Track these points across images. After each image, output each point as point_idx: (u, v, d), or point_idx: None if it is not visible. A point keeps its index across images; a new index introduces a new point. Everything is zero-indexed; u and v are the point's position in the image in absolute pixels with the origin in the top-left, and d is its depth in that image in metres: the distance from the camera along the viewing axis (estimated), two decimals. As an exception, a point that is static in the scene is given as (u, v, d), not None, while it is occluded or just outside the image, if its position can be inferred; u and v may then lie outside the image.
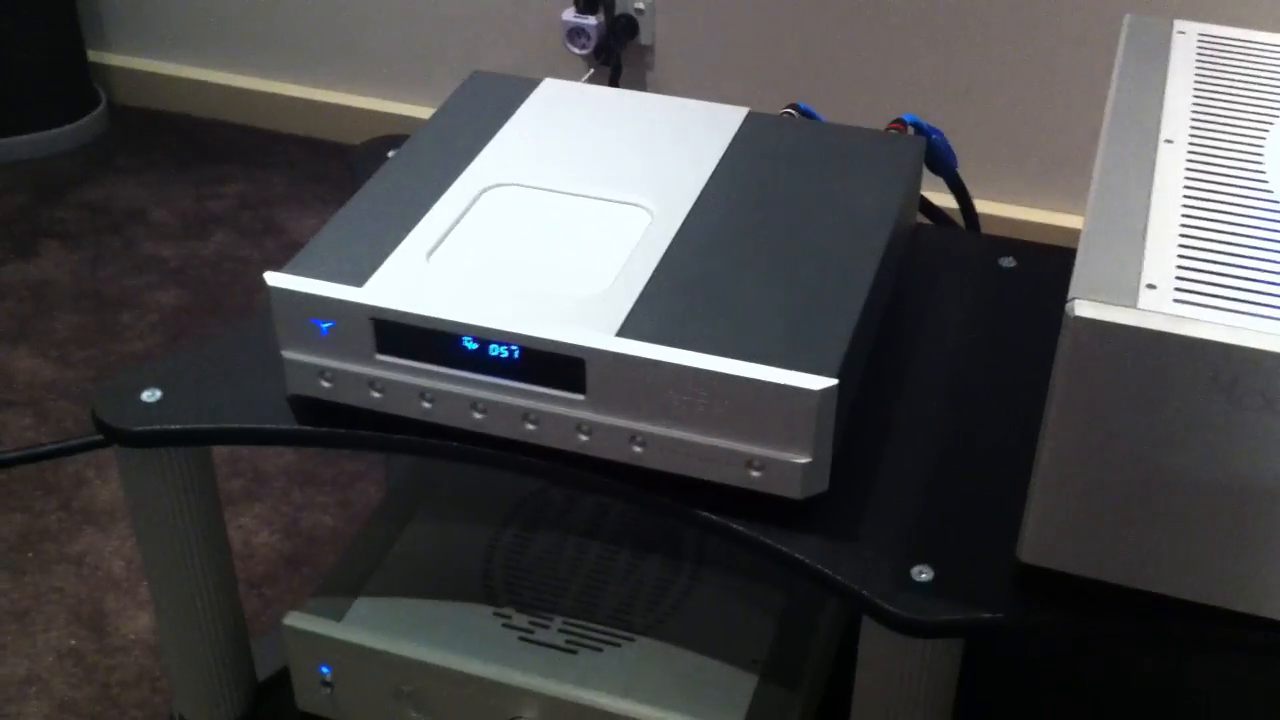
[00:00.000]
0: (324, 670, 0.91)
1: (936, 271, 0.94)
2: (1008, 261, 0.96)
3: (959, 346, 0.87)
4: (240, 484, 1.25)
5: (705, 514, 0.75)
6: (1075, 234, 0.75)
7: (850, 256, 0.80)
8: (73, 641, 1.10)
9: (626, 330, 0.74)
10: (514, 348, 0.75)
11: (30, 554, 1.19)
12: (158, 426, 0.80)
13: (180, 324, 1.47)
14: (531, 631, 0.90)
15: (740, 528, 0.74)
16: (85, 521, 1.22)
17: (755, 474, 0.73)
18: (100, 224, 1.66)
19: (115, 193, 1.72)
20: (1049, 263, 0.95)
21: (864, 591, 0.70)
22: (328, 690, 0.91)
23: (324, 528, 1.21)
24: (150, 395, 0.82)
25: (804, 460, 0.72)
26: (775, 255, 0.80)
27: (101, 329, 1.47)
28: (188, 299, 1.51)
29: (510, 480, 1.02)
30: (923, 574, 0.71)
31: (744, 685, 0.86)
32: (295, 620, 0.90)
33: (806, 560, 0.72)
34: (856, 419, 0.81)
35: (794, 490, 0.73)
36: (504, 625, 0.91)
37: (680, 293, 0.77)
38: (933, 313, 0.91)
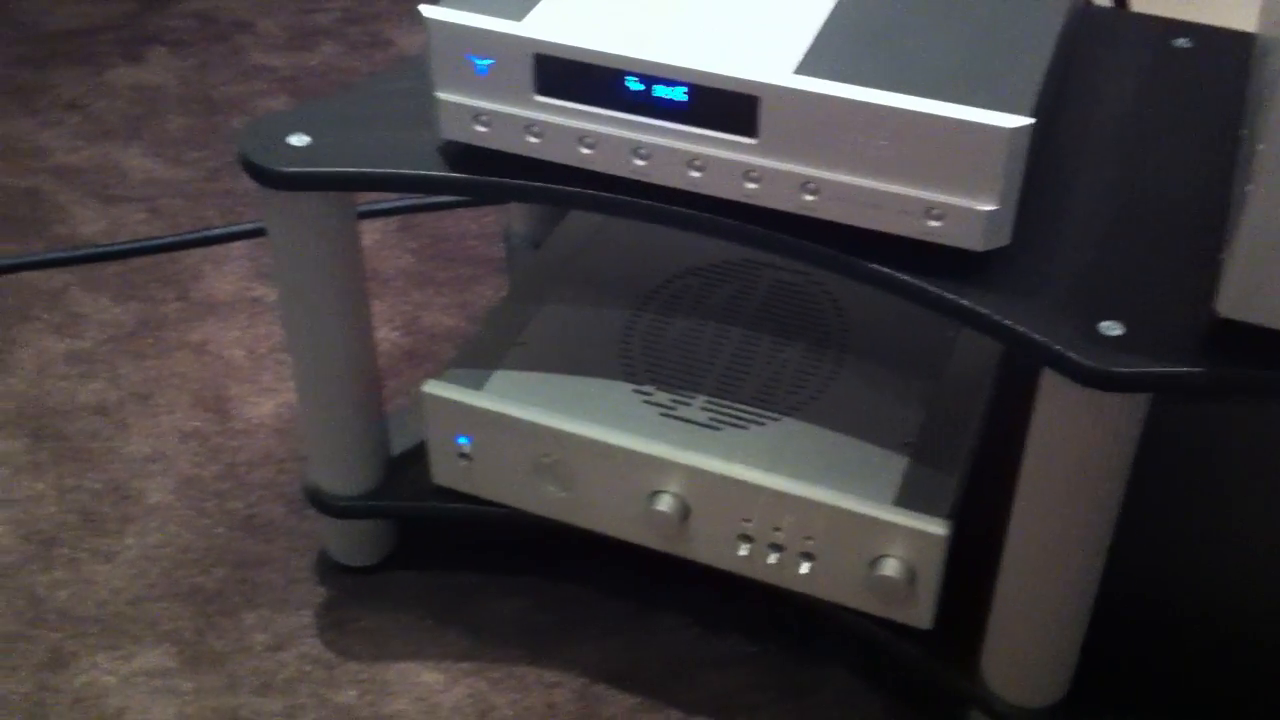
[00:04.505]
0: (461, 441, 0.89)
1: (1109, 48, 0.89)
2: (1182, 42, 0.90)
3: (1136, 115, 0.83)
4: (357, 282, 1.23)
5: (879, 267, 0.71)
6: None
7: (1038, 2, 0.75)
8: (196, 424, 1.10)
9: (805, 67, 0.70)
10: (683, 86, 0.71)
11: (150, 340, 1.18)
12: (307, 169, 0.77)
13: (291, 131, 1.44)
14: (673, 408, 0.88)
15: (916, 281, 0.70)
16: (205, 312, 1.21)
17: (934, 224, 0.70)
18: (208, 32, 1.63)
19: (221, 4, 1.68)
20: (1225, 43, 0.89)
21: (1051, 344, 0.66)
22: (465, 462, 0.90)
23: (443, 327, 1.19)
24: (298, 139, 0.79)
25: (989, 208, 0.68)
26: (958, -1, 0.75)
27: (213, 132, 1.45)
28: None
29: (648, 262, 0.99)
30: (1112, 328, 0.67)
31: (894, 465, 0.83)
32: (434, 388, 0.88)
33: (989, 313, 0.68)
34: (1036, 173, 0.76)
35: (975, 241, 0.69)
36: (645, 402, 0.88)
37: (861, 30, 0.72)
38: (1106, 84, 0.86)
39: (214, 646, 0.93)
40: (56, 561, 0.98)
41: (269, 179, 0.78)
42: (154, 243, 1.27)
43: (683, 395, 0.89)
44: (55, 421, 1.10)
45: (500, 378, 0.89)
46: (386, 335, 1.18)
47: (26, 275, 1.25)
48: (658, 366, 0.91)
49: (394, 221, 1.32)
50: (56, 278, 1.25)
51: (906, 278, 0.70)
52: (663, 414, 0.87)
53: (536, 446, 0.87)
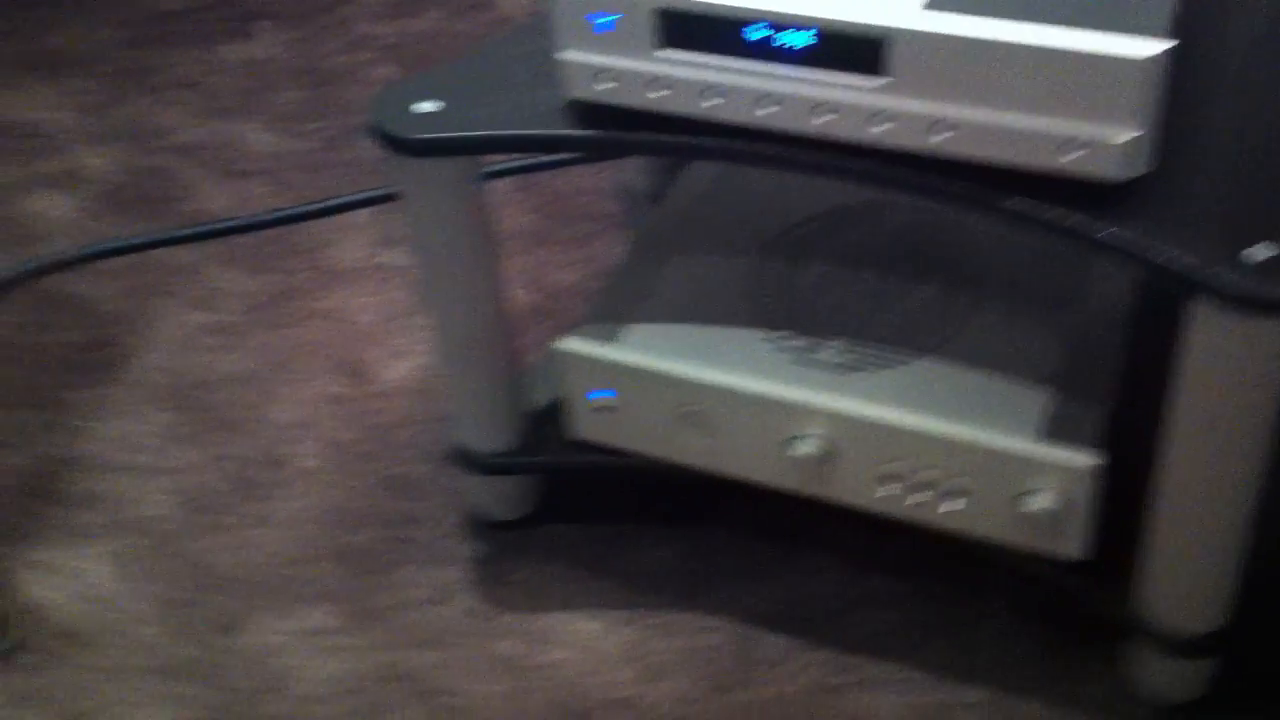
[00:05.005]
0: (598, 395, 0.90)
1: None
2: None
3: (1274, 35, 0.81)
4: (479, 242, 1.25)
5: (1015, 202, 0.70)
6: None
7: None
8: (336, 389, 1.13)
9: (934, 3, 0.69)
10: (809, 31, 0.71)
11: (284, 310, 1.21)
12: (440, 134, 0.79)
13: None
14: (809, 353, 0.88)
15: (1054, 215, 0.70)
16: (334, 280, 1.24)
17: (1071, 156, 0.69)
18: (312, 5, 1.65)
19: (323, -26, 1.71)
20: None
21: (1198, 271, 0.66)
22: (602, 416, 0.91)
23: (566, 283, 1.21)
24: (426, 105, 0.80)
25: (1128, 136, 0.67)
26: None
27: (326, 103, 1.47)
28: (408, 74, 1.50)
29: (771, 210, 0.99)
30: (1260, 251, 0.66)
31: (1037, 399, 0.83)
32: (569, 345, 0.89)
33: (1131, 243, 0.68)
34: (1173, 97, 0.75)
35: (1114, 171, 0.68)
36: (780, 348, 0.89)
37: (988, -37, 0.71)
38: (1240, 2, 0.84)
39: (373, 604, 0.96)
40: (216, 527, 1.02)
41: (402, 146, 0.79)
42: (281, 214, 1.30)
43: (818, 340, 0.89)
44: (201, 393, 1.14)
45: (633, 331, 0.90)
46: (512, 293, 1.20)
47: (161, 253, 1.29)
48: (791, 312, 0.91)
49: (512, 181, 1.33)
50: (190, 253, 1.29)
51: (1044, 212, 0.70)
52: (799, 359, 0.88)
53: (675, 397, 0.88)
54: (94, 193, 1.37)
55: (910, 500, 0.85)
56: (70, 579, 0.99)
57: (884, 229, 0.96)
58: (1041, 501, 0.80)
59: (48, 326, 1.21)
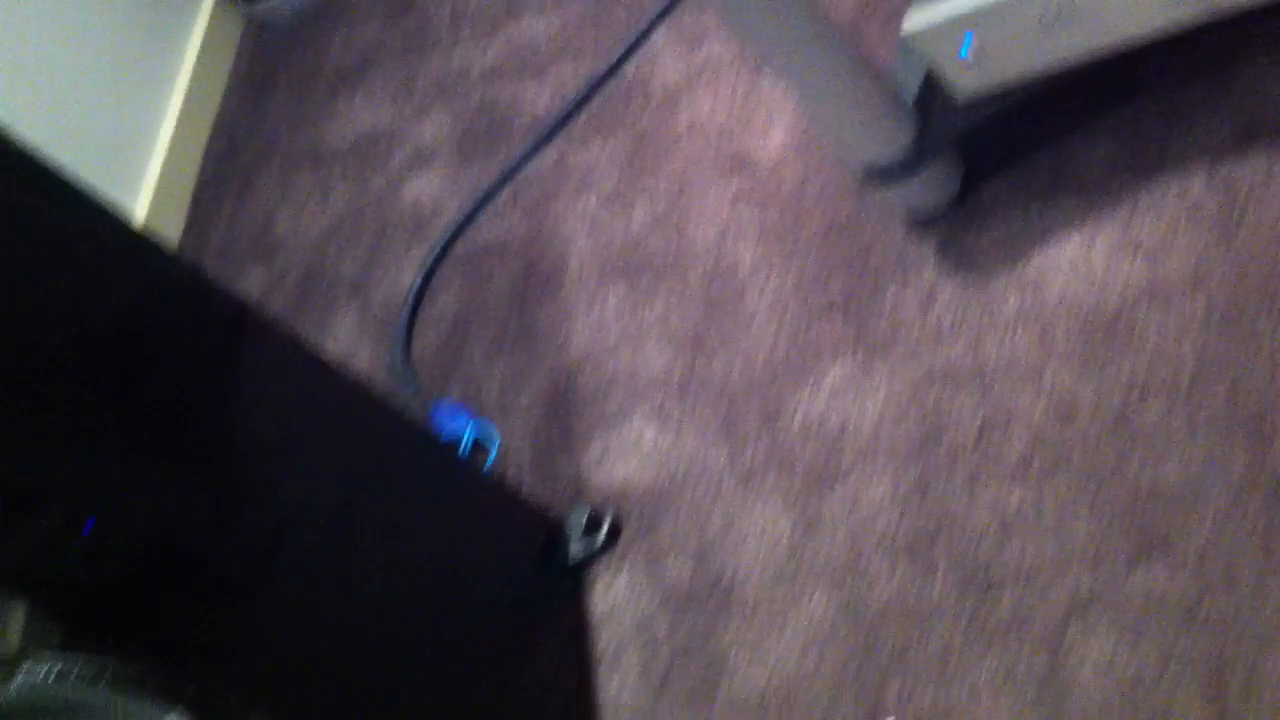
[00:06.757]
0: (963, 54, 0.91)
1: None
2: None
3: None
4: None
5: None
6: None
7: None
8: (734, 187, 1.19)
9: None
10: None
11: (652, 151, 1.28)
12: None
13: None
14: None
15: None
16: (672, 102, 1.30)
17: None
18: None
19: None
20: None
21: None
22: (975, 68, 0.92)
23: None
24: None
25: None
26: None
27: None
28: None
29: None
30: None
31: None
32: (914, 24, 0.91)
33: None
34: None
35: None
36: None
37: None
38: None
39: (876, 335, 1.02)
40: (709, 355, 1.12)
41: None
42: (597, 77, 1.37)
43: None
44: (632, 256, 1.23)
45: (958, -23, 0.91)
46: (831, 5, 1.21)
47: (532, 166, 1.39)
48: None
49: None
50: (549, 155, 1.38)
51: None
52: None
53: (1034, 8, 0.88)
54: (445, 156, 1.49)
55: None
56: (626, 456, 1.12)
57: None
58: None
59: (488, 278, 1.34)
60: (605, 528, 1.08)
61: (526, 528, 1.11)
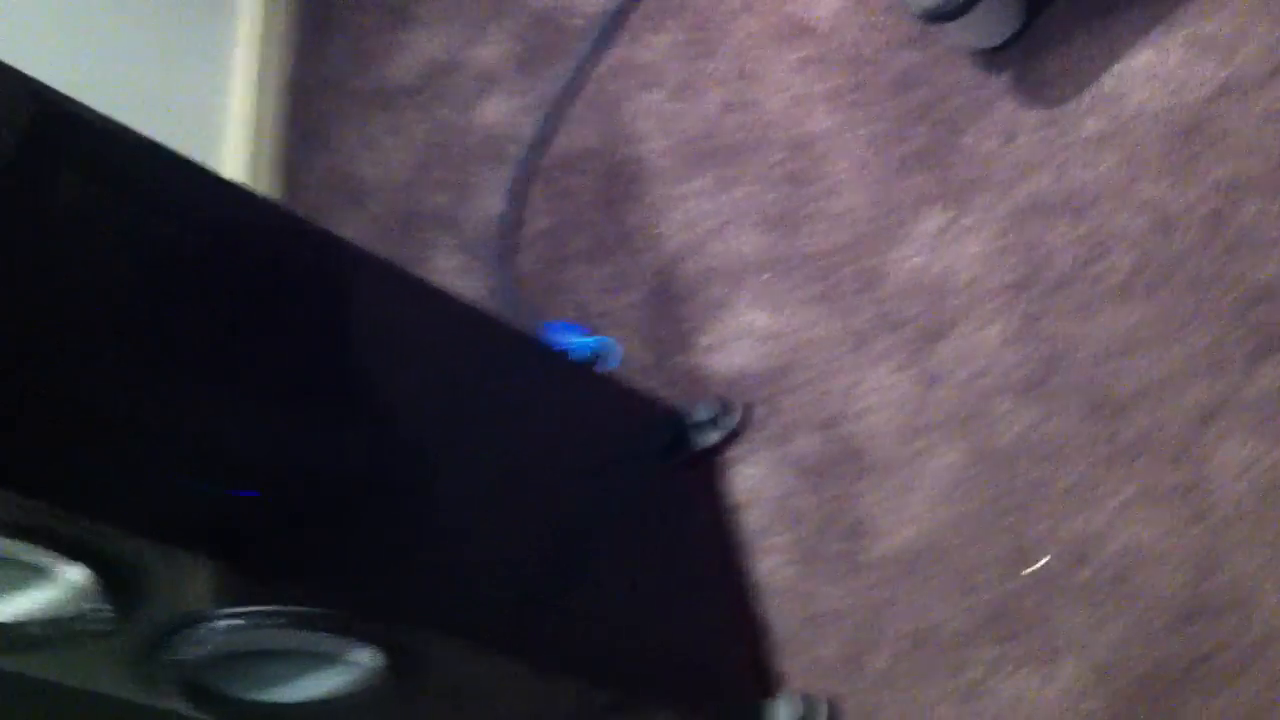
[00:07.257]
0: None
1: None
2: None
3: None
4: None
5: None
6: None
7: None
8: (796, 55, 1.19)
9: None
10: None
11: (703, 37, 1.28)
12: None
13: None
14: None
15: None
16: None
17: None
18: None
19: None
20: None
21: None
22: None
23: None
24: None
25: None
26: None
27: None
28: None
29: None
30: None
31: None
32: None
33: None
34: None
35: None
36: None
37: None
38: None
39: (965, 177, 1.02)
40: (794, 226, 1.12)
41: None
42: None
43: None
44: (703, 143, 1.23)
45: None
46: None
47: (596, 72, 1.38)
48: None
49: None
50: (615, 56, 1.37)
51: None
52: None
53: None
54: (509, 75, 1.49)
55: None
56: (738, 341, 1.14)
57: None
58: None
59: (574, 190, 1.35)
60: (730, 415, 1.10)
61: (652, 425, 1.14)
